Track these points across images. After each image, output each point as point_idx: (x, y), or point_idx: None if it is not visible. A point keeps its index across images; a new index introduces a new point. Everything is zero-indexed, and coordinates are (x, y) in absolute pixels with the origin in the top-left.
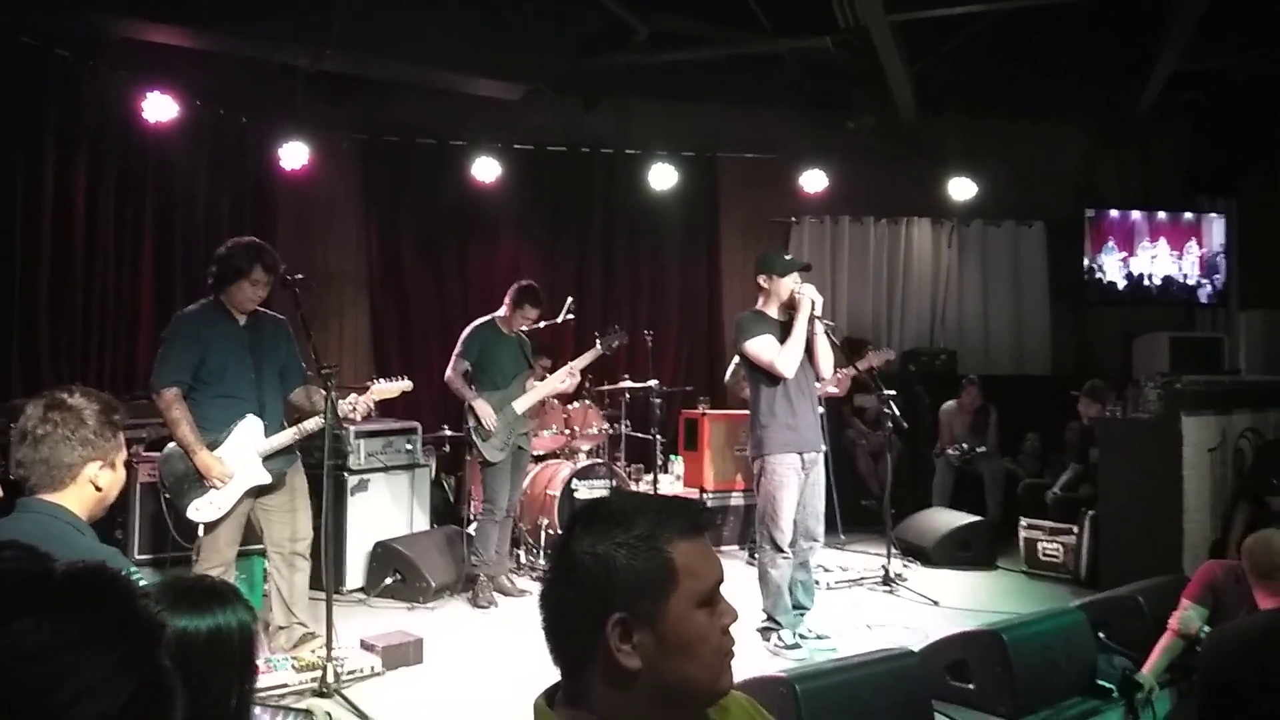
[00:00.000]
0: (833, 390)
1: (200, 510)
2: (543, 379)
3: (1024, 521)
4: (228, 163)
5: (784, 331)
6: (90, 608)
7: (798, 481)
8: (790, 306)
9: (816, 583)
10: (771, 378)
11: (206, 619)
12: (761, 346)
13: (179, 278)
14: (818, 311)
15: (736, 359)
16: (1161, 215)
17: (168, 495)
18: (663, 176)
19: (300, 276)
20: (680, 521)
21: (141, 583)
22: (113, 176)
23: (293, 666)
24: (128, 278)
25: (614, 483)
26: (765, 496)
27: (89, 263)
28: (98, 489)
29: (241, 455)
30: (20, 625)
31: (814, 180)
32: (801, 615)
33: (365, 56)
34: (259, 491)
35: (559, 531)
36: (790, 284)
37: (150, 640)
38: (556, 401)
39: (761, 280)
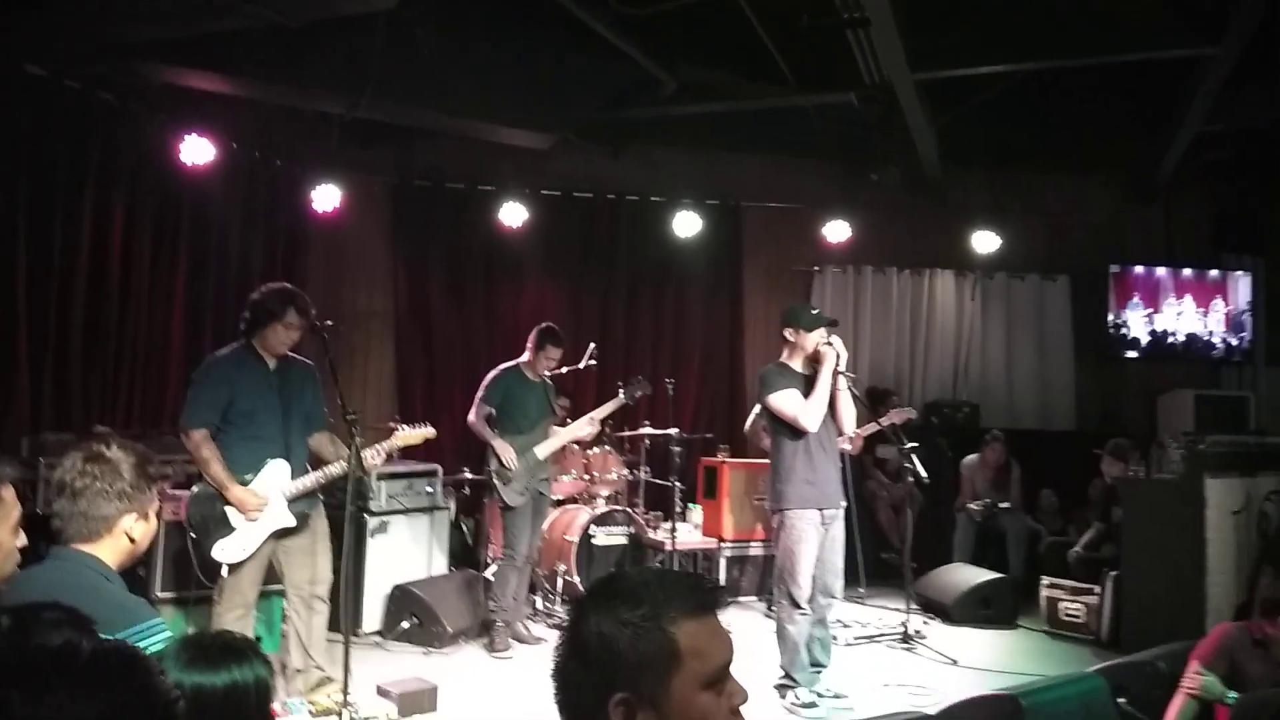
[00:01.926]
0: (846, 447)
1: (225, 551)
2: (564, 421)
3: (1046, 580)
4: (261, 204)
5: (808, 385)
6: (117, 686)
7: (817, 537)
8: (815, 360)
9: (834, 639)
10: (794, 431)
11: (222, 675)
12: (786, 401)
13: (209, 316)
14: (842, 367)
15: (757, 408)
16: (1187, 272)
17: (194, 535)
18: (687, 224)
19: (329, 323)
20: (688, 600)
21: (166, 635)
22: (149, 216)
23: (309, 711)
24: (160, 316)
25: (632, 530)
26: (784, 551)
27: (123, 300)
28: (131, 540)
29: (269, 497)
30: (53, 699)
31: (837, 230)
32: (819, 673)
33: (399, 105)
34: (281, 534)
35: (576, 578)
36: (816, 338)
37: (169, 716)
38: (576, 446)
39: (787, 333)
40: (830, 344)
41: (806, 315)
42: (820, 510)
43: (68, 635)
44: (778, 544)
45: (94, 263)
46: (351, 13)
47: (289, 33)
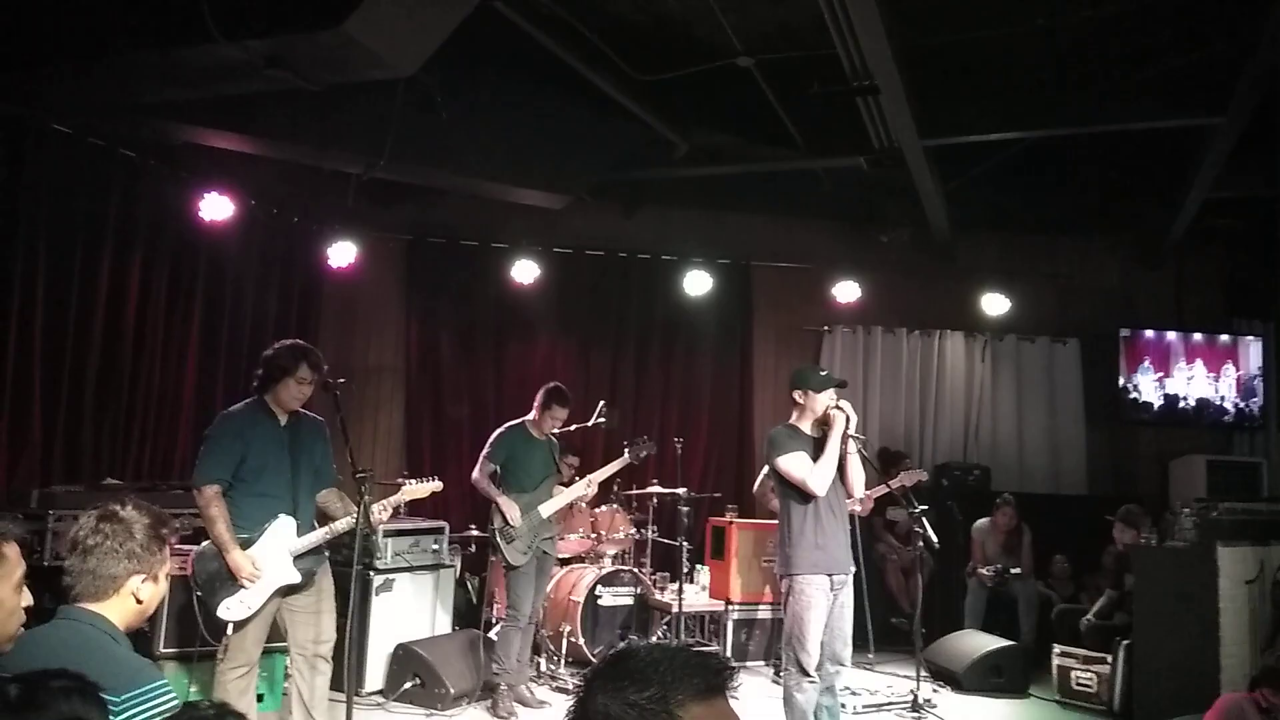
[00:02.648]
0: (856, 509)
1: (230, 609)
2: (570, 480)
3: (1057, 649)
4: (277, 259)
5: (817, 448)
6: None
7: (826, 603)
8: (824, 423)
9: (843, 706)
10: (802, 495)
11: None
12: (794, 464)
13: (222, 371)
14: (852, 429)
15: (766, 469)
16: (1198, 336)
17: (199, 593)
18: (698, 283)
19: (341, 380)
20: (696, 682)
21: (172, 699)
22: (166, 270)
23: None
24: (173, 369)
25: (639, 590)
26: (792, 617)
27: (136, 353)
28: (139, 601)
29: (274, 554)
30: None
31: (847, 291)
32: None
33: (415, 166)
34: (286, 591)
35: (581, 640)
36: (825, 400)
37: None
38: (584, 505)
39: (796, 395)
40: (839, 407)
41: (815, 376)
42: (829, 575)
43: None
44: (786, 609)
45: (109, 315)
46: (372, 78)
47: (310, 94)
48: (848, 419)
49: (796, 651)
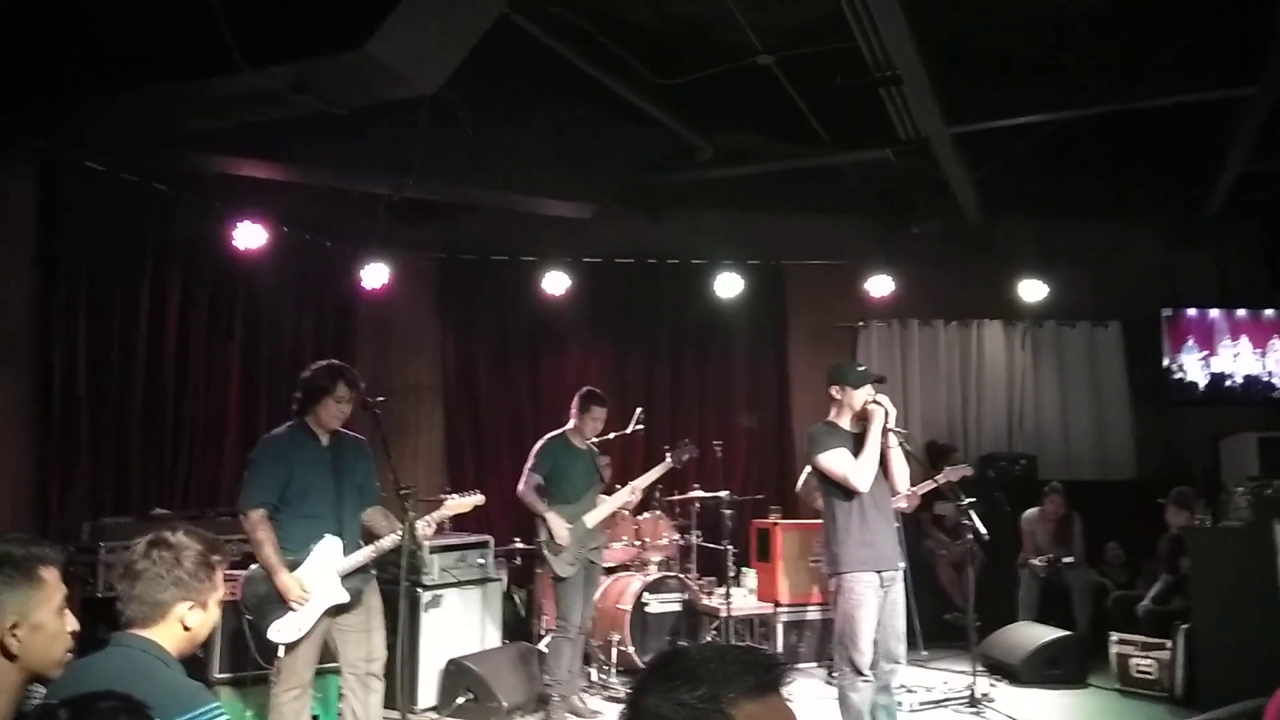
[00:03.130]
0: (903, 506)
1: (281, 631)
2: (611, 487)
3: (1115, 636)
4: (311, 284)
5: (857, 443)
6: None
7: (876, 600)
8: (862, 418)
9: (899, 704)
10: (846, 492)
11: None
12: (835, 460)
13: (264, 397)
14: (891, 424)
15: (809, 469)
16: (1241, 312)
17: (249, 616)
18: (729, 285)
19: (380, 399)
20: (748, 680)
21: (225, 716)
22: (204, 300)
23: None
24: (216, 397)
25: (686, 596)
26: (843, 616)
27: (180, 383)
28: (186, 628)
29: (321, 575)
30: None
31: (881, 285)
32: None
33: (443, 183)
34: (336, 611)
35: (630, 648)
36: (864, 395)
37: None
38: (627, 513)
39: (834, 391)
40: (878, 401)
41: (853, 372)
42: (879, 572)
43: None
44: (835, 608)
45: (151, 347)
46: (396, 98)
47: (336, 118)
48: (886, 413)
49: (849, 651)
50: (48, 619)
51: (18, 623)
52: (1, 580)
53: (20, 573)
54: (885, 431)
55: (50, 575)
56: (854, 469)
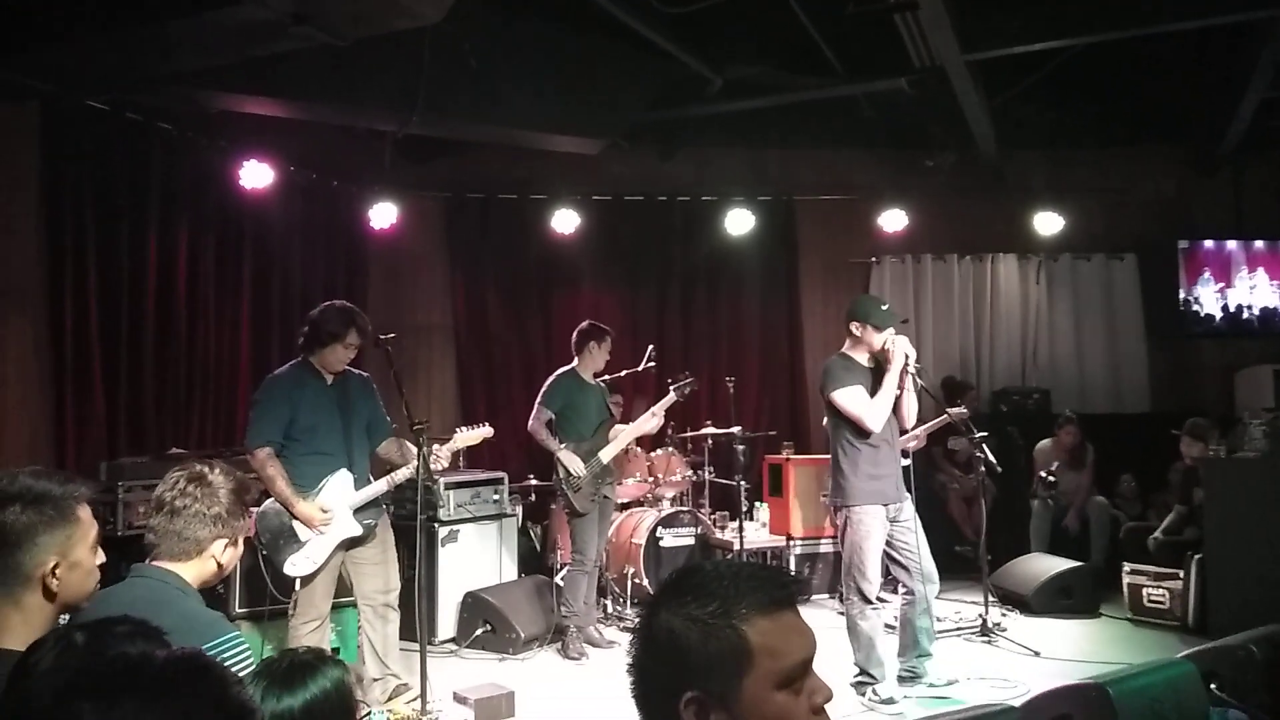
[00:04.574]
0: (911, 445)
1: (296, 565)
2: (620, 421)
3: (1127, 567)
4: (320, 224)
5: (873, 379)
6: (188, 696)
7: (883, 532)
8: (878, 356)
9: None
10: (857, 427)
11: (299, 695)
12: (850, 398)
13: (275, 336)
14: (912, 367)
15: None
16: (1259, 244)
17: (264, 552)
18: (740, 221)
19: (391, 335)
20: (761, 596)
21: (245, 649)
22: (212, 241)
23: (388, 718)
24: (227, 337)
25: (699, 530)
26: (851, 548)
27: (191, 324)
28: (219, 565)
29: (335, 508)
30: (127, 706)
31: (894, 219)
32: (926, 660)
33: (448, 120)
34: (350, 544)
35: (645, 580)
36: (886, 335)
37: None
38: (639, 449)
39: (854, 327)
40: (898, 344)
41: (878, 312)
42: (885, 505)
43: (140, 647)
44: (843, 540)
45: (161, 288)
46: (398, 28)
47: (339, 52)
48: (907, 356)
49: (857, 581)
50: (84, 556)
51: (58, 563)
52: (43, 520)
53: (59, 512)
54: (903, 373)
55: (85, 513)
56: (869, 409)
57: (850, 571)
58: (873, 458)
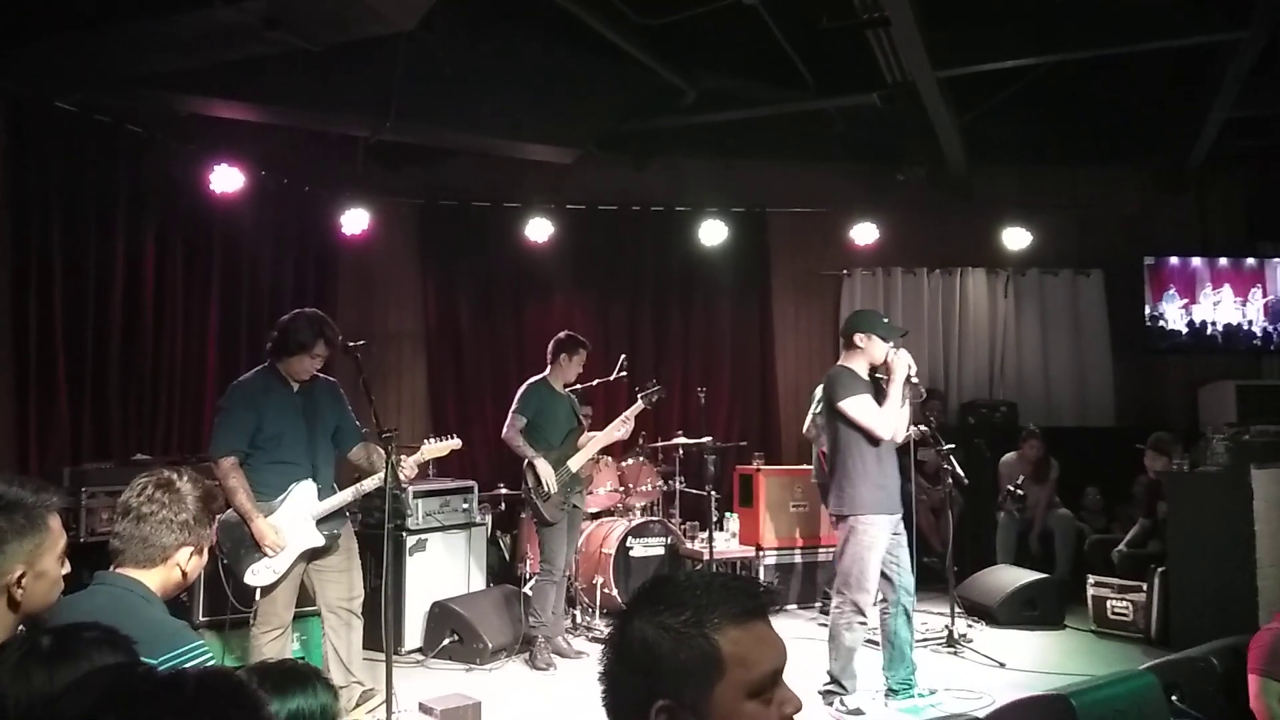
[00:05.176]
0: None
1: (257, 574)
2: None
3: (1092, 579)
4: (290, 229)
5: (874, 391)
6: (222, 714)
7: (885, 544)
8: (878, 368)
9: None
10: (864, 436)
11: (288, 702)
12: (861, 408)
13: (243, 342)
14: (914, 377)
15: (815, 410)
16: (1223, 261)
17: (225, 560)
18: (713, 232)
19: (362, 343)
20: (734, 606)
21: (209, 658)
22: (180, 245)
23: None
24: (194, 343)
25: (669, 540)
26: (853, 558)
27: (158, 329)
28: (183, 573)
29: (296, 519)
30: None
31: (865, 233)
32: (914, 672)
33: (422, 126)
34: (313, 554)
35: (614, 590)
36: (889, 348)
37: None
38: (610, 459)
39: (858, 339)
40: (897, 356)
41: (881, 324)
42: (890, 516)
43: (107, 655)
44: (844, 549)
45: (128, 293)
46: (372, 35)
47: (312, 58)
48: (909, 367)
49: (854, 592)
50: (50, 565)
51: (25, 572)
52: (13, 528)
53: (30, 520)
54: (905, 384)
55: (55, 523)
56: (879, 419)
57: (848, 582)
58: (879, 468)
